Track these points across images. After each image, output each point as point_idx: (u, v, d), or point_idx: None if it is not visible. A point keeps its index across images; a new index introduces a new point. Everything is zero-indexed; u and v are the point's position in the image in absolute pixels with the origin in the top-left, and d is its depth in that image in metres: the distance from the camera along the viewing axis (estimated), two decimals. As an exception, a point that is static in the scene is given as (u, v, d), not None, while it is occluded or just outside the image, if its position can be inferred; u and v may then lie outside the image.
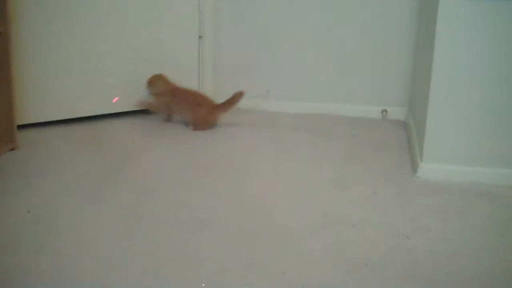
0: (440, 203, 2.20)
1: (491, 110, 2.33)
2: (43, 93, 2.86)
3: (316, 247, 1.88)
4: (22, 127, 2.76)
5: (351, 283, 1.69)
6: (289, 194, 2.26)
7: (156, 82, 3.01)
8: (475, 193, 2.28)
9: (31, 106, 2.83)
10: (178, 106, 3.01)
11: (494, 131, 2.34)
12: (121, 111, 3.07)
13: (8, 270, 1.71)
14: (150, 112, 3.13)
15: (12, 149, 2.57)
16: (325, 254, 1.84)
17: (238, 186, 2.32)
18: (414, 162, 2.52)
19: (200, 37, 3.21)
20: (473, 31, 2.26)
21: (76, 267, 1.74)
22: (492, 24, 2.24)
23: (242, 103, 3.31)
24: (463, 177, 2.37)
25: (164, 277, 1.69)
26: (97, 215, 2.05)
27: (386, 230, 1.99)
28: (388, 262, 1.80)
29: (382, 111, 3.23)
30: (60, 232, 1.93)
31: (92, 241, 1.88)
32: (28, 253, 1.79)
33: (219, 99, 3.31)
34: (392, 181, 2.38)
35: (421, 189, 2.31)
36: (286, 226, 2.01)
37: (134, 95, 3.05)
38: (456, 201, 2.21)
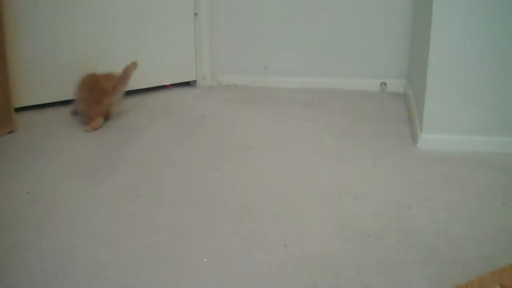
0: (440, 173, 2.19)
1: (491, 79, 2.30)
2: (39, 75, 2.84)
3: (317, 219, 1.88)
4: (19, 109, 2.74)
5: (353, 253, 1.69)
6: (289, 168, 2.25)
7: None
8: (475, 162, 2.27)
9: (28, 89, 2.81)
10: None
11: (494, 99, 2.32)
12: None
13: (8, 250, 1.71)
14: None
15: (10, 132, 2.56)
16: (326, 226, 1.84)
17: (238, 162, 2.31)
18: (414, 133, 2.50)
19: (195, 14, 3.18)
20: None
21: (76, 247, 1.74)
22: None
23: (241, 80, 3.29)
24: (464, 146, 2.36)
25: (167, 253, 1.69)
26: (97, 195, 2.04)
27: (387, 201, 1.98)
28: (390, 232, 1.80)
29: (381, 83, 3.20)
30: (60, 212, 1.93)
31: (93, 221, 1.88)
32: (28, 234, 1.79)
33: (217, 77, 3.29)
34: (393, 153, 2.37)
35: (421, 159, 2.30)
36: (286, 200, 2.00)
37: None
38: (457, 170, 2.21)
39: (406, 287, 1.54)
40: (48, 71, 2.85)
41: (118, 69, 2.89)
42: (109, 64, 2.96)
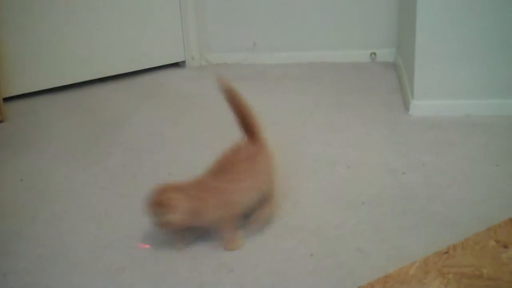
0: (433, 137, 2.19)
1: (479, 42, 2.29)
2: (26, 64, 2.81)
3: (312, 189, 1.88)
4: (8, 99, 2.72)
5: (349, 221, 1.69)
6: (282, 141, 2.24)
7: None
8: (468, 126, 2.26)
9: (16, 78, 2.78)
10: None
11: (483, 62, 2.31)
12: (105, 76, 3.02)
13: (5, 236, 1.70)
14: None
15: (0, 122, 2.55)
16: (321, 196, 1.84)
17: (229, 140, 2.30)
18: (405, 101, 2.49)
19: (181, -8, 3.14)
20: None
21: (72, 230, 1.73)
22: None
23: (231, 58, 3.27)
24: (456, 111, 2.35)
25: (164, 233, 1.69)
26: (90, 178, 2.03)
27: (382, 168, 1.98)
28: (385, 199, 1.80)
29: (371, 54, 3.18)
30: (54, 197, 1.92)
31: (87, 203, 1.88)
32: (24, 220, 1.79)
33: (206, 56, 3.27)
34: (385, 121, 2.36)
35: (414, 126, 2.30)
36: (280, 172, 1.99)
37: (118, 55, 3.00)
38: (450, 134, 2.20)
39: (403, 251, 1.54)
40: (34, 59, 2.82)
41: (99, 55, 2.87)
42: (94, 47, 2.94)
